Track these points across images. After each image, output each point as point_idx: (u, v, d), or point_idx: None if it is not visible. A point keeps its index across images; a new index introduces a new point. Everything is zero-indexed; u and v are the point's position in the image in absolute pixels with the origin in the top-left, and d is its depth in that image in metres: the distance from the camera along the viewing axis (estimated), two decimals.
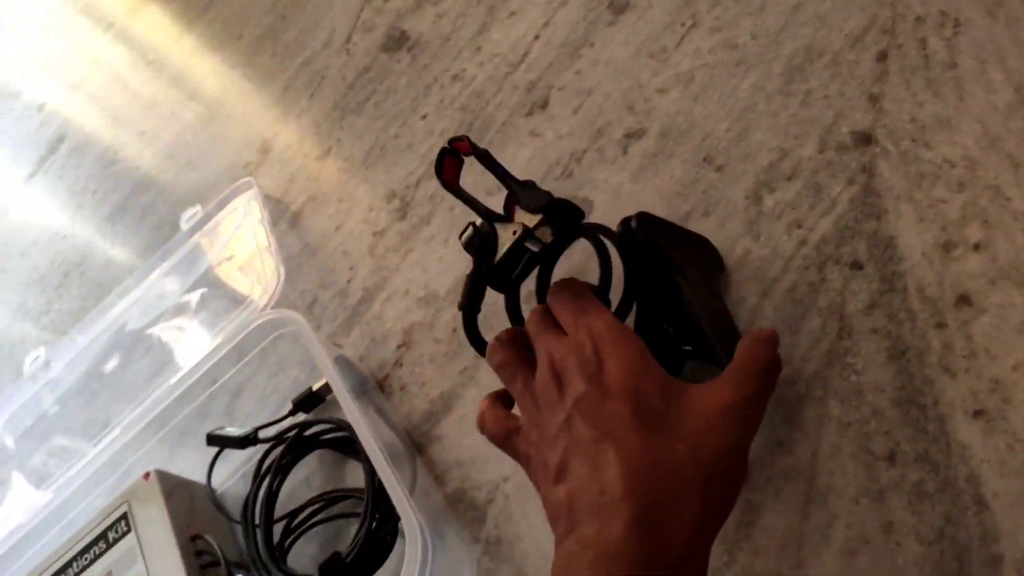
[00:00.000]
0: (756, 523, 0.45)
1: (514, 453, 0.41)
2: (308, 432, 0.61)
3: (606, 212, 0.61)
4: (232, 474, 0.66)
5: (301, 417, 0.64)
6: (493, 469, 0.55)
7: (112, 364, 0.79)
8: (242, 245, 0.75)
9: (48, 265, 0.97)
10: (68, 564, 0.59)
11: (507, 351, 0.43)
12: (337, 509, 0.58)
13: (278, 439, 0.61)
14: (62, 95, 1.18)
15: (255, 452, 0.64)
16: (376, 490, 0.53)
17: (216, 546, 0.55)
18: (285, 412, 0.64)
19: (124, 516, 0.59)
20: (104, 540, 0.59)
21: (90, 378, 0.79)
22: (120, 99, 1.09)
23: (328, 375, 0.54)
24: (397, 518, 0.53)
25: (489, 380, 0.58)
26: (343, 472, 0.62)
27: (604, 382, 0.37)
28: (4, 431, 0.79)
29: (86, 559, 0.59)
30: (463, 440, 0.57)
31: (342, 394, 0.52)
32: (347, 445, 0.61)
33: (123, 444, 0.65)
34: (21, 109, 1.22)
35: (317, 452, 0.63)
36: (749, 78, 0.61)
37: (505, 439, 0.41)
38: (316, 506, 0.58)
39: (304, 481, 0.63)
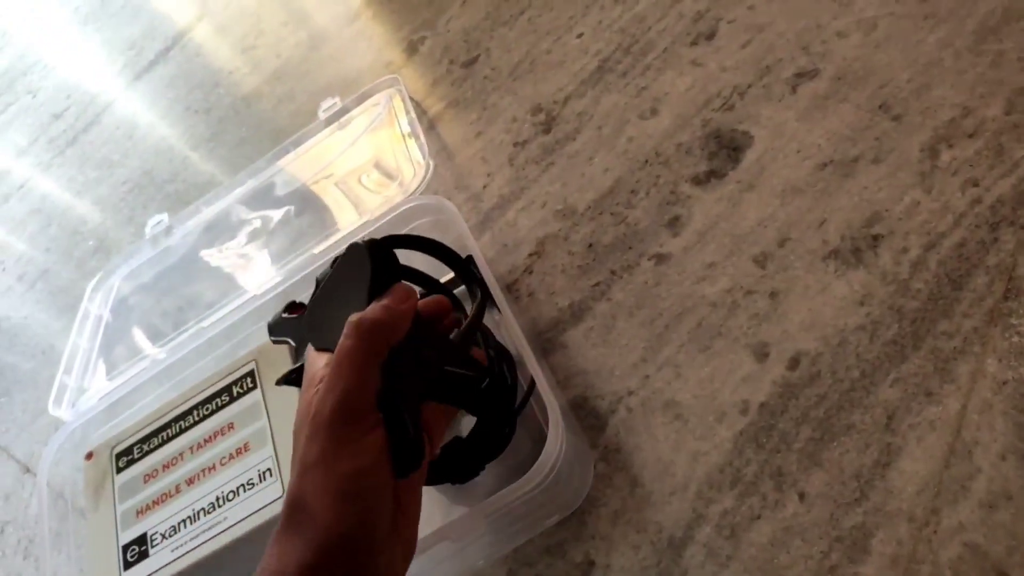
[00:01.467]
0: (893, 465, 0.46)
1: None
2: None
3: (766, 148, 0.61)
4: None
5: None
6: (618, 382, 0.56)
7: (237, 238, 0.82)
8: (385, 138, 0.78)
9: (178, 137, 1.01)
10: (189, 411, 0.63)
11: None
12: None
13: None
14: None
15: None
16: (504, 382, 0.54)
17: None
18: None
19: (251, 373, 0.62)
20: (228, 393, 0.62)
21: (216, 249, 0.83)
22: None
23: (480, 263, 0.55)
24: (515, 417, 0.55)
25: (623, 298, 0.59)
26: None
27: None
28: (122, 286, 0.83)
29: (207, 409, 0.62)
30: (590, 351, 0.58)
31: (491, 281, 0.54)
32: None
33: (248, 311, 0.69)
34: None
35: None
36: (937, 32, 0.60)
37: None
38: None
39: None
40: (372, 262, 0.43)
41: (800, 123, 0.61)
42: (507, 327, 0.52)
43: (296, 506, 0.36)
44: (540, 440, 0.48)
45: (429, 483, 0.54)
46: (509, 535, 0.52)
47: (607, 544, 0.50)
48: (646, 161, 0.65)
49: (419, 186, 0.64)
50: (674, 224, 0.61)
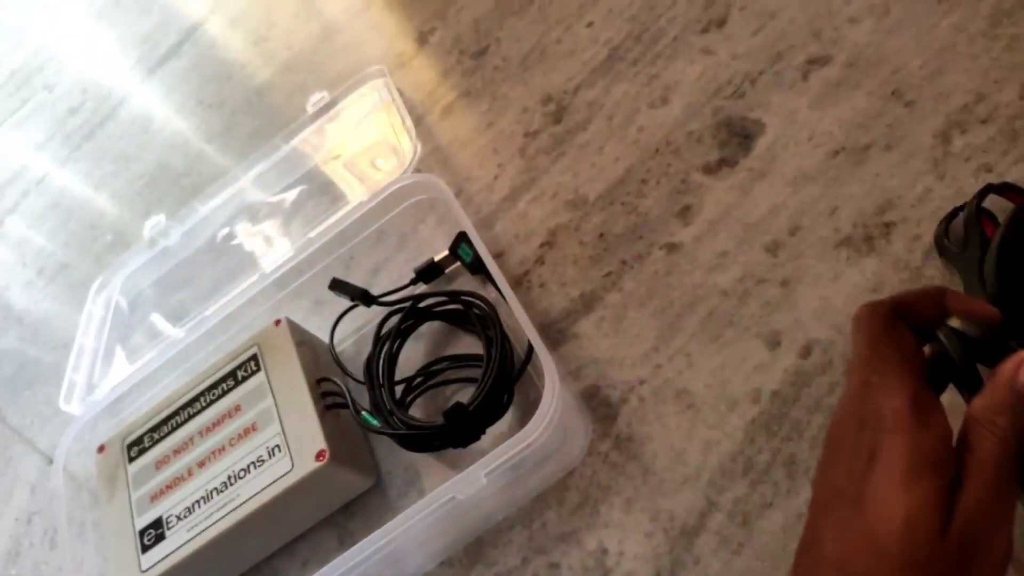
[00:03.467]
0: None
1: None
2: (423, 304, 0.64)
3: (777, 136, 0.61)
4: (343, 339, 0.69)
5: (420, 288, 0.67)
6: (630, 371, 0.56)
7: (236, 230, 0.83)
8: (374, 126, 0.79)
9: (192, 131, 1.02)
10: (197, 397, 0.64)
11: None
12: (453, 374, 0.62)
13: (396, 305, 0.64)
14: None
15: (369, 318, 0.68)
16: (501, 350, 0.55)
17: (344, 387, 0.58)
18: (407, 282, 0.67)
19: (254, 357, 0.63)
20: (233, 378, 0.63)
21: (212, 244, 0.84)
22: None
23: (473, 235, 0.57)
24: (513, 384, 0.56)
25: (634, 287, 0.59)
26: (452, 345, 0.64)
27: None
28: (125, 285, 0.85)
29: (214, 394, 0.63)
30: (601, 341, 0.58)
31: (483, 251, 0.56)
32: (460, 318, 0.63)
33: (246, 300, 0.70)
34: None
35: (428, 324, 0.66)
36: (951, 17, 0.60)
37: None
38: (438, 367, 0.62)
39: (414, 351, 0.65)
40: None
41: (812, 110, 0.61)
42: (509, 303, 0.53)
43: None
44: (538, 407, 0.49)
45: (436, 449, 0.57)
46: (513, 492, 0.54)
47: (620, 531, 0.51)
48: (657, 150, 0.65)
49: (408, 166, 0.65)
50: (685, 213, 0.61)
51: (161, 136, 1.06)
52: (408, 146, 0.69)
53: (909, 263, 0.52)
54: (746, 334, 0.53)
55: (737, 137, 0.63)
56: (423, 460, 0.60)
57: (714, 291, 0.56)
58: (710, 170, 0.62)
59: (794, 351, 0.52)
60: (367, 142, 0.78)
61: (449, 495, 0.48)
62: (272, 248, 0.79)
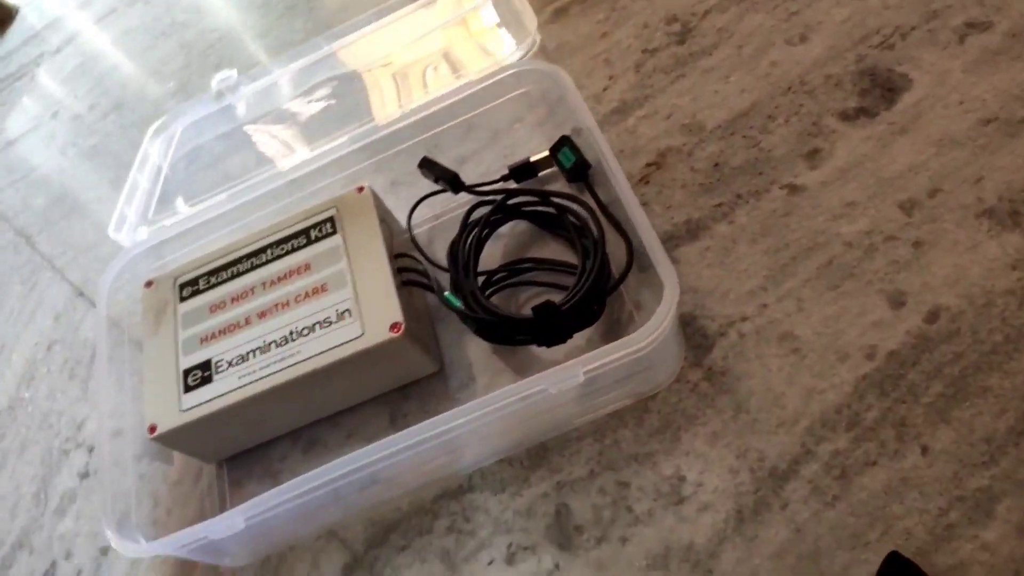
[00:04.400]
0: None
1: None
2: (513, 200, 0.60)
3: (925, 94, 0.57)
4: (416, 225, 0.65)
5: (511, 184, 0.63)
6: (732, 306, 0.53)
7: (314, 97, 0.79)
8: (489, 9, 0.74)
9: None
10: (263, 249, 0.60)
11: None
12: (539, 277, 0.58)
13: (487, 196, 0.61)
14: None
15: (447, 208, 0.66)
16: (600, 257, 0.52)
17: (425, 264, 0.55)
18: (498, 177, 0.63)
19: (331, 219, 0.59)
20: (305, 236, 0.60)
21: (285, 109, 0.79)
22: None
23: (594, 131, 0.53)
24: (606, 296, 0.53)
25: (747, 223, 0.56)
26: (535, 248, 0.61)
27: None
28: (185, 134, 0.80)
29: (283, 248, 0.60)
30: (704, 271, 0.55)
31: (605, 148, 0.52)
32: (550, 222, 0.60)
33: (315, 169, 0.66)
34: None
35: (513, 224, 0.62)
36: None
37: None
38: (523, 267, 0.59)
39: (494, 249, 0.62)
40: None
41: (965, 75, 0.57)
42: (627, 206, 0.49)
43: None
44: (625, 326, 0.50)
45: (518, 343, 0.54)
46: (590, 402, 0.51)
47: (702, 463, 0.48)
48: (789, 88, 0.62)
49: (527, 53, 0.61)
50: (813, 156, 0.57)
51: None
52: (527, 26, 0.64)
53: None
54: (868, 288, 0.50)
55: (880, 88, 0.59)
56: (485, 358, 0.57)
57: (836, 240, 0.53)
58: (847, 117, 0.58)
59: (919, 314, 0.48)
60: (478, 25, 0.73)
61: (540, 386, 0.45)
62: (351, 120, 0.75)
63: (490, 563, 0.50)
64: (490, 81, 0.63)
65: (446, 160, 0.66)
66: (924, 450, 0.44)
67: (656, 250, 0.46)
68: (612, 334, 0.54)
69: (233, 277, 0.60)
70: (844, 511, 0.44)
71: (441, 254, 0.60)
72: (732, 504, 0.46)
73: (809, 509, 0.45)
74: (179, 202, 0.70)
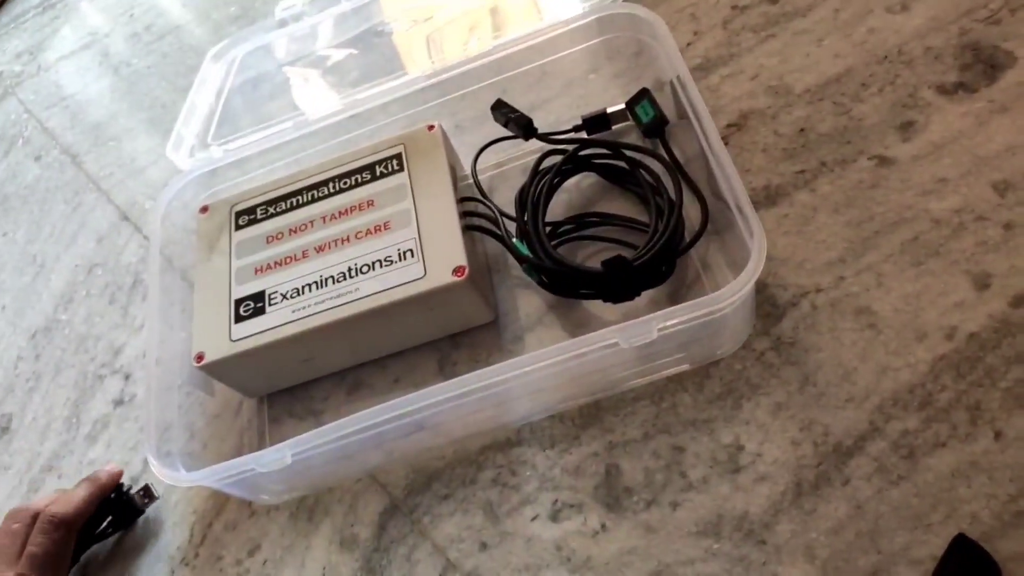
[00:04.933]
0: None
1: None
2: (586, 152, 0.62)
3: None
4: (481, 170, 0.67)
5: (583, 135, 0.65)
6: (807, 276, 0.55)
7: (385, 30, 0.81)
8: None
9: None
10: (326, 182, 0.63)
11: None
12: (607, 232, 0.61)
13: (560, 146, 0.63)
14: None
15: (514, 156, 0.68)
16: (676, 216, 0.54)
17: (494, 208, 0.58)
18: (569, 127, 0.65)
19: (398, 156, 0.62)
20: (370, 171, 0.62)
21: (353, 41, 0.81)
22: None
23: (688, 82, 0.55)
24: (677, 256, 0.55)
25: (830, 192, 0.57)
26: (604, 203, 0.63)
27: None
28: (247, 59, 0.83)
29: (346, 183, 0.62)
30: (780, 238, 0.57)
31: (697, 99, 0.54)
32: (623, 177, 0.62)
33: (380, 104, 0.68)
34: None
35: (582, 176, 0.64)
36: None
37: None
38: (591, 220, 0.61)
39: (561, 201, 0.64)
40: None
41: None
42: (719, 161, 0.51)
43: None
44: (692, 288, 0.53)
45: (582, 297, 0.56)
46: (650, 363, 0.53)
47: (763, 433, 0.50)
48: (886, 57, 0.63)
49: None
50: (906, 129, 0.58)
51: None
52: None
53: None
54: (953, 268, 0.52)
55: (982, 64, 0.60)
56: (540, 313, 0.59)
57: (924, 216, 0.54)
58: (945, 91, 0.59)
59: (1005, 298, 0.50)
60: None
61: (613, 340, 0.47)
62: (422, 57, 0.77)
63: (534, 519, 0.53)
64: (572, 25, 0.65)
65: (515, 105, 0.68)
66: (997, 435, 0.46)
67: (747, 211, 0.48)
68: (678, 296, 0.56)
69: (292, 208, 0.62)
70: (908, 491, 0.46)
71: (501, 201, 0.62)
72: (791, 477, 0.48)
73: (872, 487, 0.47)
74: (240, 127, 0.73)
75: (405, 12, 0.81)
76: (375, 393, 0.60)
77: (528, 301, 0.60)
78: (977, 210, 0.54)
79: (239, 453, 0.62)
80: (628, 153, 0.60)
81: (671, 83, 0.58)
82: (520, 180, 0.62)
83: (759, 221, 0.47)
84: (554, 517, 0.52)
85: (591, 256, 0.60)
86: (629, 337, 0.47)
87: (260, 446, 0.62)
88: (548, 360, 0.48)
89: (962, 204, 0.54)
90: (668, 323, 0.46)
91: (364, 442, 0.52)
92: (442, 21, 0.78)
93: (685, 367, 0.54)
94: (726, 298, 0.45)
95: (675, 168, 0.57)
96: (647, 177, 0.59)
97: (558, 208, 0.63)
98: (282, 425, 0.62)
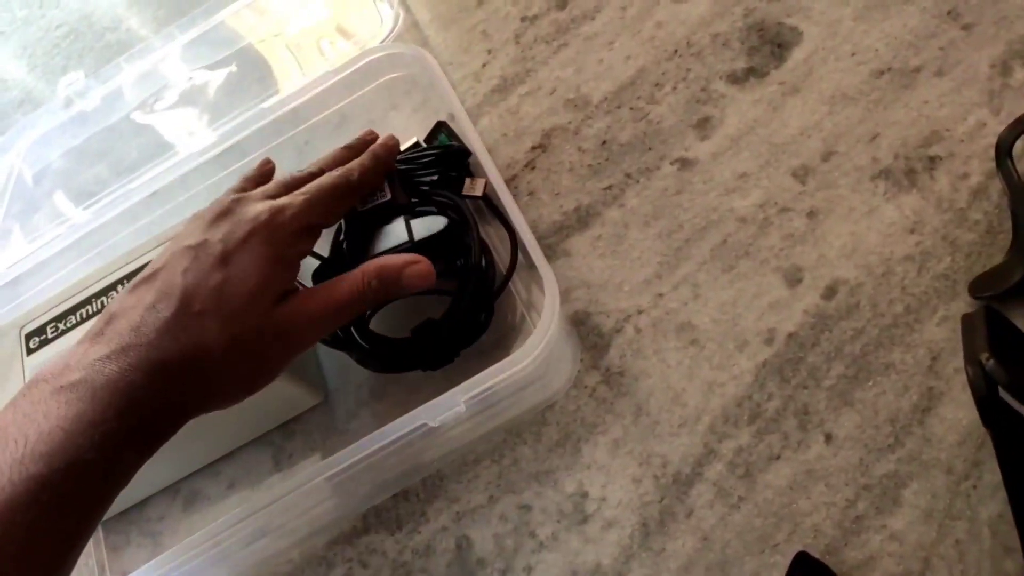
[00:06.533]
0: (933, 412, 0.45)
1: None
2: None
3: (816, 48, 0.58)
4: None
5: None
6: (627, 298, 0.54)
7: (168, 98, 0.78)
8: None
9: None
10: (113, 286, 0.59)
11: None
12: None
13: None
14: None
15: None
16: (481, 261, 0.52)
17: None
18: None
19: None
20: None
21: (138, 113, 0.78)
22: None
23: (463, 121, 0.54)
24: (493, 300, 0.54)
25: (638, 204, 0.57)
26: None
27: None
28: (33, 149, 0.79)
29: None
30: (596, 262, 0.56)
31: (475, 140, 0.54)
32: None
33: (174, 179, 0.66)
34: None
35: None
36: None
37: None
38: None
39: None
40: None
41: (857, 23, 0.58)
42: (504, 206, 0.50)
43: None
44: (518, 329, 0.51)
45: (397, 370, 0.54)
46: (484, 423, 0.52)
47: (604, 475, 0.49)
48: (675, 51, 0.62)
49: (388, 36, 0.61)
50: (703, 126, 0.58)
51: None
52: (389, 11, 0.64)
53: (954, 203, 0.50)
54: (763, 267, 0.52)
55: (769, 45, 0.60)
56: (377, 380, 0.57)
57: (730, 216, 0.54)
58: (736, 79, 0.59)
59: (817, 290, 0.50)
60: (334, 8, 0.73)
61: (420, 421, 0.45)
62: (210, 122, 0.74)
63: None
64: (354, 67, 0.63)
65: (316, 156, 0.65)
66: (828, 438, 0.46)
67: (536, 254, 0.47)
68: (505, 342, 0.55)
69: (83, 321, 0.59)
70: (750, 513, 0.46)
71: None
72: (636, 517, 0.48)
73: (715, 514, 0.46)
74: (21, 238, 0.69)
75: (186, 75, 0.77)
76: (212, 503, 0.58)
77: (359, 371, 0.58)
78: (780, 202, 0.54)
79: None
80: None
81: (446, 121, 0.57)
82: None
83: (551, 273, 0.46)
84: None
85: (420, 313, 0.58)
86: (437, 415, 0.45)
87: None
88: (368, 449, 0.46)
89: (764, 198, 0.54)
90: (473, 393, 0.45)
91: (207, 563, 0.50)
92: (222, 80, 0.75)
93: (521, 417, 0.52)
94: (526, 357, 0.44)
95: (470, 209, 0.55)
96: (454, 217, 0.57)
97: None
98: (121, 553, 0.59)
